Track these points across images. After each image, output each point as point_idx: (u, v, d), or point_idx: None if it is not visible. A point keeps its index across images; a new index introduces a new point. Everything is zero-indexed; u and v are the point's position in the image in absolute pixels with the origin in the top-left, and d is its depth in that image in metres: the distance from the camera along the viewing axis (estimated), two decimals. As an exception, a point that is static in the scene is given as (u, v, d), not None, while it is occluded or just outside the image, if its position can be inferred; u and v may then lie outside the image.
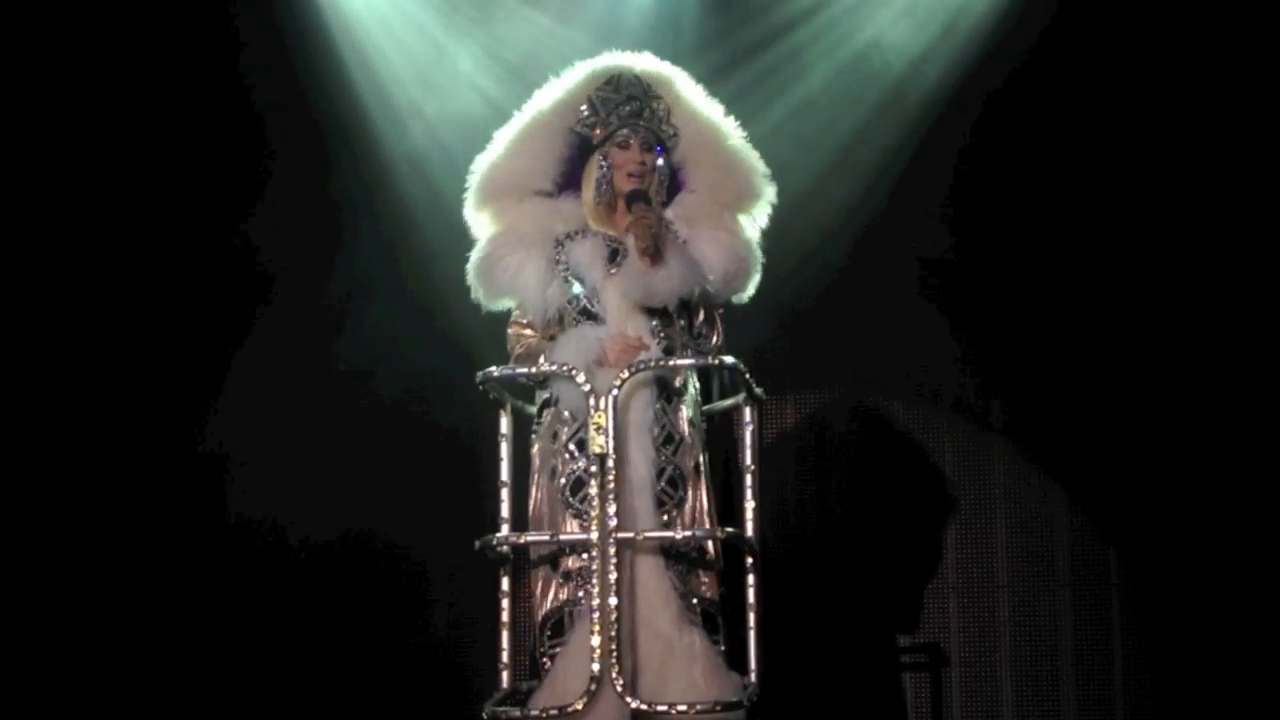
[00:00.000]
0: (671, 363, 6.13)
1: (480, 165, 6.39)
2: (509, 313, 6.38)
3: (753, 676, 6.05)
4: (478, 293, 6.36)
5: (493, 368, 6.15)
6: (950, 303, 7.66)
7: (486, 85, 7.78)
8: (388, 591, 7.69)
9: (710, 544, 6.18)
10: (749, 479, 6.16)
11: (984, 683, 7.52)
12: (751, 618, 6.08)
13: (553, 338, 6.27)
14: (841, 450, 7.65)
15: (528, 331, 6.32)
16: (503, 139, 6.39)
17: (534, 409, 6.35)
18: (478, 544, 6.17)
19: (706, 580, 6.16)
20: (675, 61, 6.46)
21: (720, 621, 6.14)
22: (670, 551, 6.10)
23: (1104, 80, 7.59)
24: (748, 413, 6.19)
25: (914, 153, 7.67)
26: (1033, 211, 7.61)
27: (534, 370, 6.19)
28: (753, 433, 6.18)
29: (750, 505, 6.15)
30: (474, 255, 6.38)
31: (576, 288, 6.24)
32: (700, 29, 7.79)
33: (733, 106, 6.46)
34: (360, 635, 7.65)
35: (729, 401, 6.38)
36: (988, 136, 7.64)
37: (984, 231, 7.65)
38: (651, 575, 6.07)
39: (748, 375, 6.14)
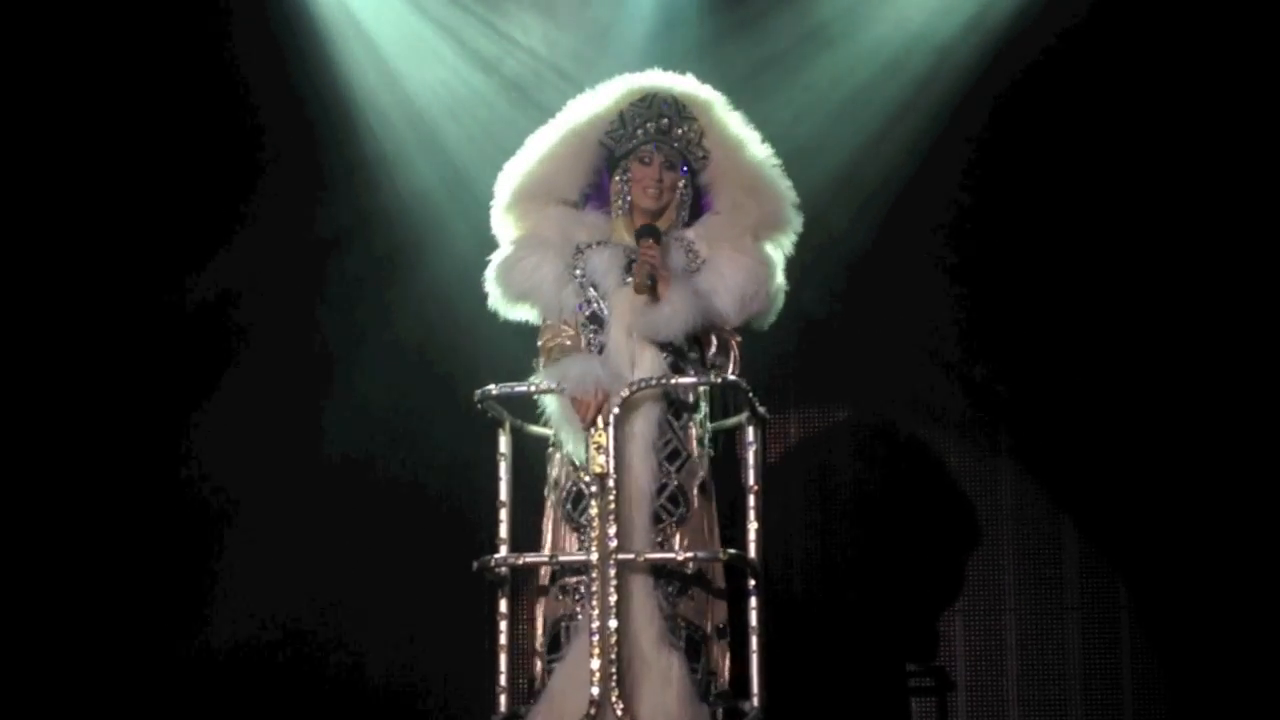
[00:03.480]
0: (674, 380, 6.09)
1: (510, 169, 6.39)
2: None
3: (755, 701, 5.99)
4: (495, 296, 6.36)
5: (490, 385, 6.12)
6: (958, 322, 7.61)
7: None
8: (383, 614, 7.65)
9: (710, 567, 6.12)
10: (752, 499, 6.11)
11: (991, 707, 7.45)
12: (754, 640, 6.02)
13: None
14: (846, 471, 7.59)
15: (565, 328, 6.29)
16: (534, 145, 6.40)
17: (534, 428, 6.32)
18: (475, 565, 6.14)
19: (697, 605, 6.10)
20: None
21: (704, 649, 6.08)
22: (661, 571, 6.05)
23: (1124, 88, 7.54)
24: (750, 432, 6.14)
25: (920, 166, 7.63)
26: (1042, 232, 7.55)
27: (531, 390, 6.14)
28: (756, 453, 6.13)
29: (753, 527, 6.09)
30: (494, 257, 6.39)
31: (591, 292, 6.23)
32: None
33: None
34: (354, 657, 7.63)
35: (732, 420, 6.32)
36: (1000, 148, 7.61)
37: (992, 250, 7.60)
38: (639, 592, 6.01)
39: (751, 394, 6.08)
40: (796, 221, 6.37)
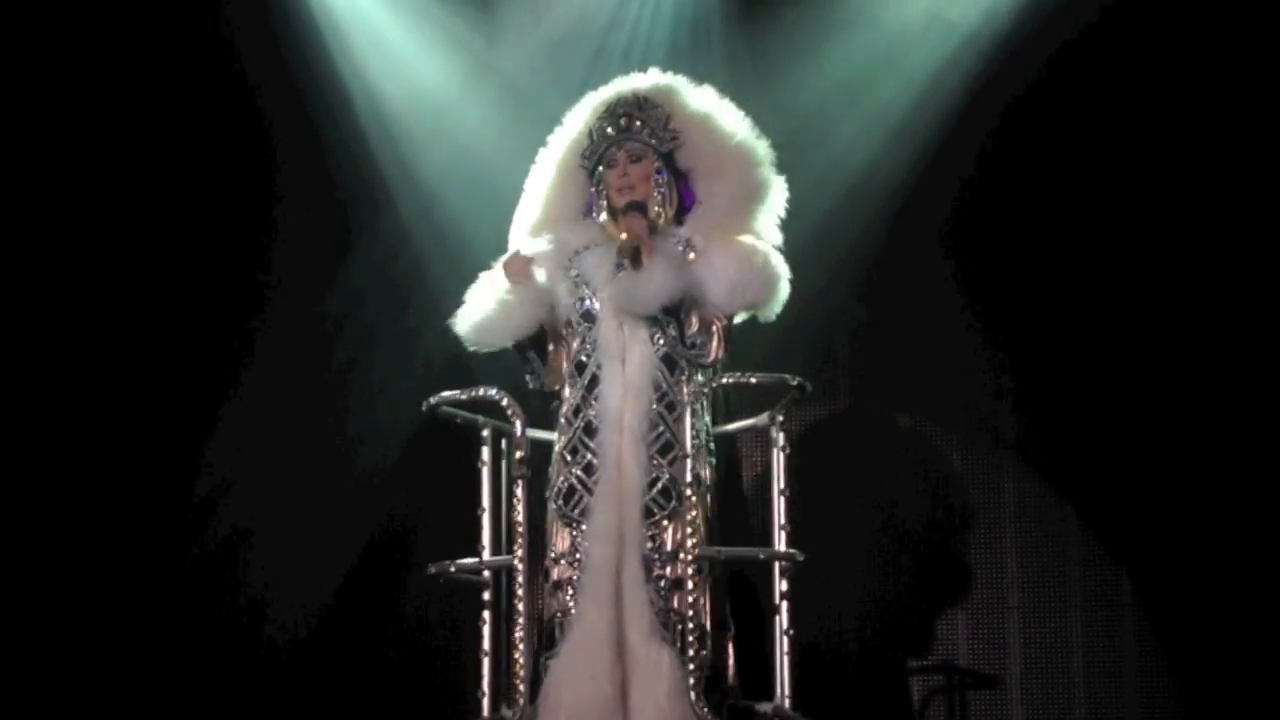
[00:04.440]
0: (738, 379, 6.13)
1: (516, 219, 6.49)
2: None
3: (787, 703, 6.05)
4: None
5: (438, 394, 6.22)
6: (962, 317, 7.57)
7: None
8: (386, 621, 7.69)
9: (707, 562, 6.09)
10: (783, 503, 6.14)
11: (995, 705, 7.42)
12: (786, 642, 6.07)
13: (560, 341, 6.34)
14: (848, 467, 7.54)
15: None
16: (530, 186, 6.50)
17: (535, 432, 6.34)
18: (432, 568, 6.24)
19: (693, 599, 6.07)
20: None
21: (703, 643, 6.04)
22: (652, 564, 6.06)
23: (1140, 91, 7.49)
24: (781, 437, 6.16)
25: (929, 164, 7.59)
26: (1047, 226, 7.52)
27: (466, 396, 6.20)
28: (789, 457, 6.17)
29: (784, 530, 6.15)
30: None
31: (584, 290, 6.26)
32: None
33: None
34: (353, 663, 7.65)
35: (749, 422, 6.33)
36: (1009, 141, 7.57)
37: (997, 243, 7.56)
38: (629, 585, 6.03)
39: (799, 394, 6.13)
40: (770, 186, 6.35)
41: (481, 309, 6.32)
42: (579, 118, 6.46)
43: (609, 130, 6.35)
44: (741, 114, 6.39)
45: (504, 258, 6.32)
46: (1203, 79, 7.39)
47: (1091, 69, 7.48)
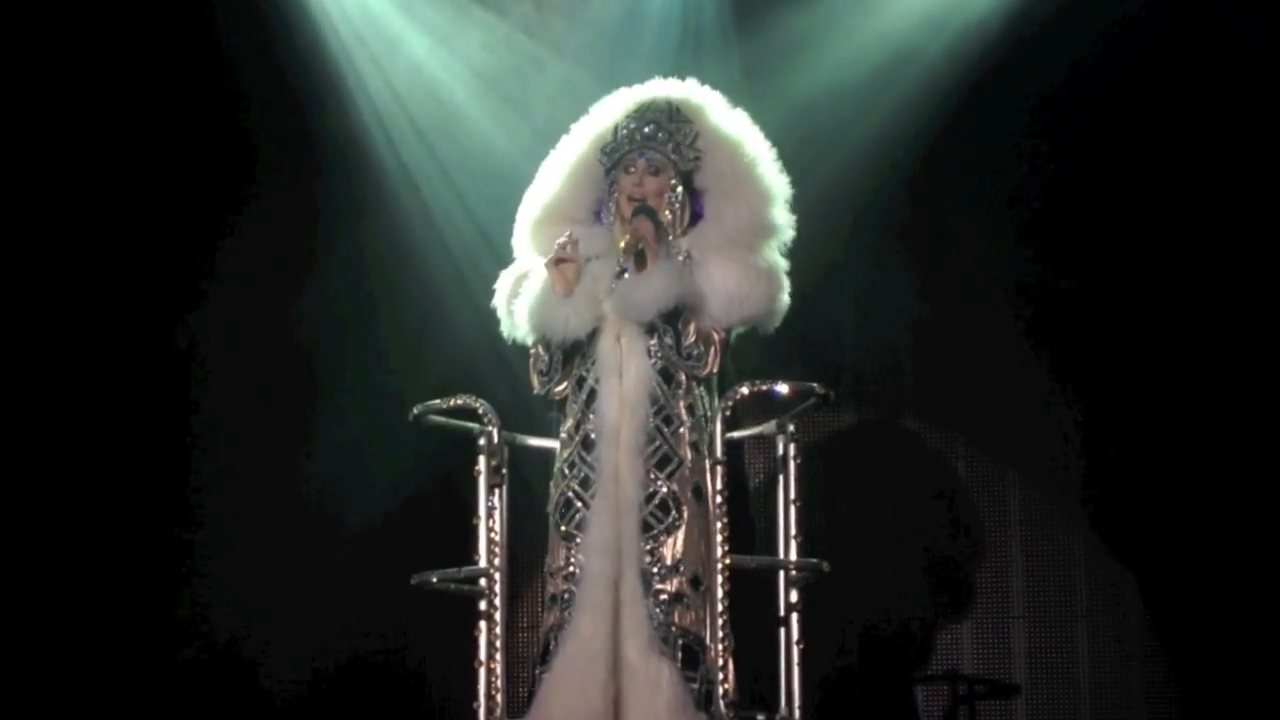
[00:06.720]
0: (766, 386, 6.10)
1: (526, 199, 6.42)
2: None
3: (797, 714, 6.02)
4: (503, 322, 6.37)
5: (424, 403, 6.22)
6: (960, 322, 7.54)
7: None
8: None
9: (707, 575, 6.06)
10: (794, 513, 6.15)
11: (1000, 716, 7.39)
12: (796, 653, 6.07)
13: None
14: (853, 477, 7.52)
15: (543, 354, 6.27)
16: (545, 170, 6.43)
17: (532, 440, 6.40)
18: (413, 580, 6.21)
19: (694, 613, 6.05)
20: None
21: (703, 657, 6.03)
22: (651, 579, 6.02)
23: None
24: (792, 447, 6.18)
25: (927, 165, 7.57)
26: (1043, 227, 7.51)
27: (446, 405, 6.21)
28: (799, 466, 6.16)
29: (797, 540, 6.14)
30: (498, 284, 6.41)
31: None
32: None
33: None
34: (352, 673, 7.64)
35: (756, 430, 6.32)
36: (1009, 143, 7.57)
37: (998, 249, 7.55)
38: (627, 599, 6.00)
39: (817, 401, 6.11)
40: (780, 224, 6.31)
41: (548, 298, 6.20)
42: (608, 112, 6.41)
43: (637, 135, 6.31)
44: (768, 144, 6.36)
45: (561, 240, 6.17)
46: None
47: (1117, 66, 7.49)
